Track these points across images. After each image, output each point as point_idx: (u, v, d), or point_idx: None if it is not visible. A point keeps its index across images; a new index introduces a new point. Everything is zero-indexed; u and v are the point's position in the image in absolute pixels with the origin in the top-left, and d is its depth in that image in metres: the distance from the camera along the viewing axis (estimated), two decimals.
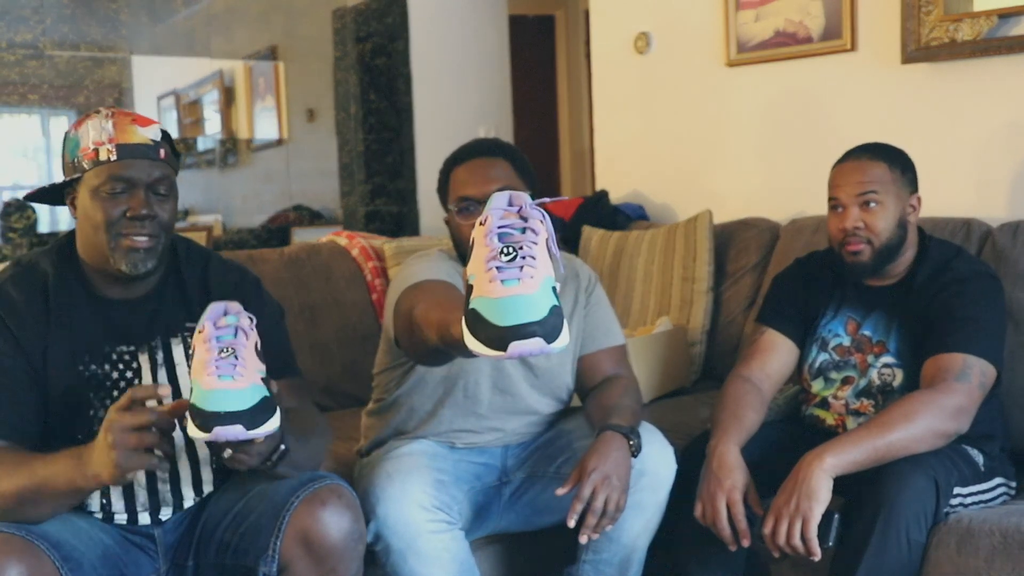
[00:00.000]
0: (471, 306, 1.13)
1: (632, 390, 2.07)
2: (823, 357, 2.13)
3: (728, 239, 2.97)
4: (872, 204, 2.00)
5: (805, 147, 3.02)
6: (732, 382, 2.12)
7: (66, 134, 1.66)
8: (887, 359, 2.04)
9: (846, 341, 2.11)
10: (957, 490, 1.87)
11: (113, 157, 1.59)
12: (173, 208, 1.67)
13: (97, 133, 1.60)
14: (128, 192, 1.60)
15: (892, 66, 2.72)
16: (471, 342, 1.12)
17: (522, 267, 1.12)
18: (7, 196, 4.00)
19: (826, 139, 2.96)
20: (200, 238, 4.10)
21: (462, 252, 1.98)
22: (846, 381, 2.09)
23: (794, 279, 2.22)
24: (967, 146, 2.29)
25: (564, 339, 1.11)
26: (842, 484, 1.93)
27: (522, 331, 1.09)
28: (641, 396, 2.10)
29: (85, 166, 1.61)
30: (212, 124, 4.78)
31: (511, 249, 1.13)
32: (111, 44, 4.15)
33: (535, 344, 1.10)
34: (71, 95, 4.08)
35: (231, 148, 4.75)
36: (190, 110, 4.77)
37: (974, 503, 1.90)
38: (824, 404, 2.12)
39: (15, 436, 1.58)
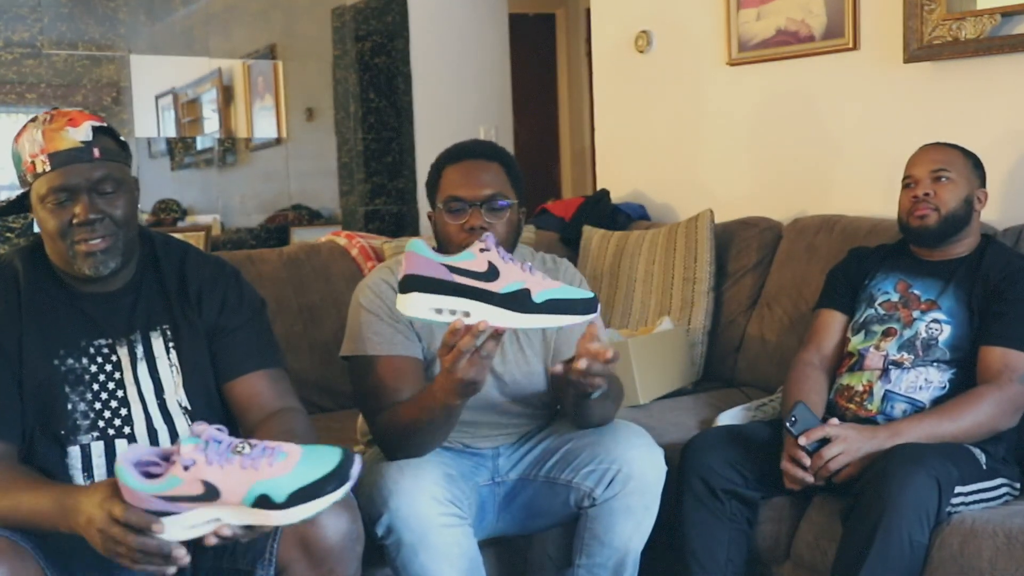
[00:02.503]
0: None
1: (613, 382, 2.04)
2: (869, 312, 2.20)
3: (729, 239, 2.96)
4: (943, 179, 2.14)
5: (807, 146, 3.01)
6: (794, 368, 2.22)
7: (12, 148, 1.65)
8: (937, 315, 2.11)
9: (894, 297, 2.18)
10: (958, 489, 1.86)
11: (47, 168, 1.57)
12: (128, 202, 1.65)
13: (31, 145, 1.59)
14: (71, 199, 1.59)
15: (894, 65, 2.70)
16: None
17: None
18: (4, 196, 3.99)
19: (828, 138, 2.95)
20: (199, 238, 4.09)
21: (445, 250, 1.97)
22: (887, 333, 2.14)
23: (846, 263, 2.33)
24: (970, 146, 2.28)
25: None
26: (844, 485, 1.94)
27: None
28: (623, 393, 2.07)
29: (29, 179, 1.60)
30: (211, 123, 4.77)
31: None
32: (109, 43, 4.14)
33: None
34: (69, 94, 4.07)
35: (230, 147, 4.74)
36: (188, 109, 4.75)
37: (976, 501, 1.90)
38: (858, 365, 2.15)
39: (2, 432, 1.57)
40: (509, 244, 1.95)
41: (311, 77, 4.72)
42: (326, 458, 1.34)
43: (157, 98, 4.61)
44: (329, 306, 2.77)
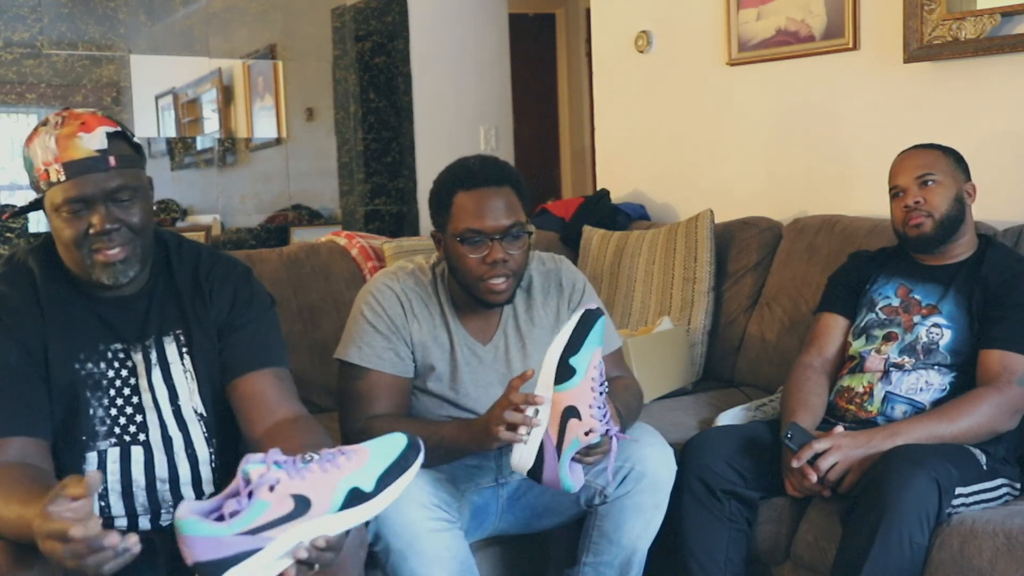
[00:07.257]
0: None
1: (631, 389, 2.05)
2: (870, 317, 2.20)
3: (729, 239, 2.96)
4: (930, 183, 2.13)
5: (807, 146, 3.01)
6: (794, 370, 2.22)
7: (23, 151, 1.60)
8: (937, 319, 2.11)
9: (895, 302, 2.18)
10: (959, 490, 1.86)
11: (62, 178, 1.53)
12: (144, 208, 1.61)
13: (44, 152, 1.54)
14: (88, 209, 1.55)
15: (894, 65, 2.70)
16: None
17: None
18: (5, 196, 3.98)
19: (828, 138, 2.95)
20: (198, 238, 4.08)
21: (459, 278, 1.94)
22: (888, 338, 2.14)
23: (846, 268, 2.33)
24: (970, 146, 2.28)
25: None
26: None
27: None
28: (641, 394, 2.09)
29: (42, 187, 1.56)
30: (211, 123, 4.76)
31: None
32: (109, 43, 4.13)
33: None
34: (69, 94, 4.06)
35: (230, 147, 4.73)
36: (188, 109, 4.74)
37: (976, 502, 1.90)
38: (859, 367, 2.15)
39: (28, 431, 1.54)
40: (524, 267, 1.95)
41: (311, 77, 4.72)
42: (394, 441, 1.36)
43: (157, 98, 4.60)
44: (329, 306, 2.77)
